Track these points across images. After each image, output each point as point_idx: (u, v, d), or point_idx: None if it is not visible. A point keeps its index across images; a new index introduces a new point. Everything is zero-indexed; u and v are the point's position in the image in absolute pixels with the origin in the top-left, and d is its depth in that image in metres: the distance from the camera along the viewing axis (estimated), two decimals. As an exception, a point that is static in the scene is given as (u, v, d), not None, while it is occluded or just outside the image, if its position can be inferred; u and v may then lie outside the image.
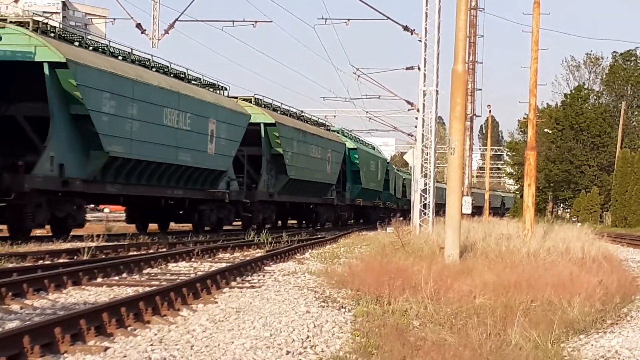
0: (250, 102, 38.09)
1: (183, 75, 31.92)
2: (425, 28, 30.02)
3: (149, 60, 29.49)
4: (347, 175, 51.89)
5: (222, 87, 35.27)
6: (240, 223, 37.93)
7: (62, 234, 24.41)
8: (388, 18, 32.05)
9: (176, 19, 32.91)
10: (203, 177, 31.85)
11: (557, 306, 11.06)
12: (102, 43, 27.34)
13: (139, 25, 32.36)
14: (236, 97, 37.68)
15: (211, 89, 34.18)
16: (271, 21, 35.62)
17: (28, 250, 18.49)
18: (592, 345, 9.53)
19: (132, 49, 28.44)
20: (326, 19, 34.98)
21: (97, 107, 24.59)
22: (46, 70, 23.44)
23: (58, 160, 23.65)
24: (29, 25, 23.86)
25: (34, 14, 26.12)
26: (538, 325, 9.81)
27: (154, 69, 29.60)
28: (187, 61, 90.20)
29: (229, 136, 33.45)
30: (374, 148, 62.24)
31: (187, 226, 35.34)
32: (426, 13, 29.90)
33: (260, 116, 37.55)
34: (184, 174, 30.27)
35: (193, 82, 32.64)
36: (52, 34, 24.77)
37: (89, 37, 26.81)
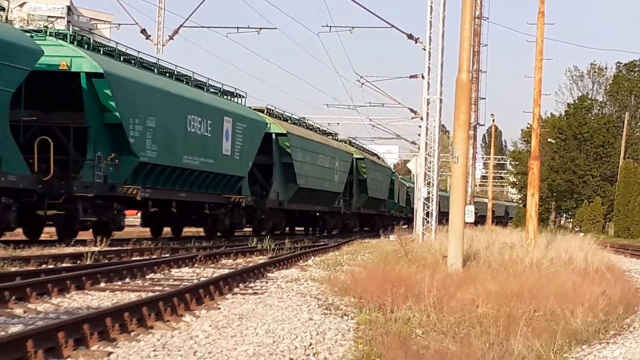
0: (346, 142, 54.16)
1: (317, 129, 48.20)
2: (430, 37, 29.96)
3: (305, 122, 45.38)
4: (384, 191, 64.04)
5: (334, 133, 53.60)
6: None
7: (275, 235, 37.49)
8: (392, 26, 31.98)
9: (181, 25, 32.97)
10: (332, 197, 47.63)
11: (559, 316, 11.05)
12: (286, 115, 42.26)
13: (143, 31, 32.42)
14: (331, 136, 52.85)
15: (320, 133, 49.22)
16: (276, 28, 36.19)
17: (31, 254, 18.49)
18: (594, 355, 9.52)
19: (300, 117, 44.75)
20: (331, 26, 34.99)
21: (296, 158, 40.05)
22: (274, 137, 38.68)
23: (277, 190, 39.11)
24: (266, 112, 39.44)
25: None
26: (541, 335, 9.82)
27: (310, 129, 45.96)
28: (192, 67, 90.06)
29: (343, 169, 49.16)
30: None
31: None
32: (430, 22, 29.85)
33: (355, 153, 52.96)
34: (325, 195, 45.76)
35: (317, 130, 48.08)
36: (275, 116, 40.42)
37: (286, 113, 42.78)
